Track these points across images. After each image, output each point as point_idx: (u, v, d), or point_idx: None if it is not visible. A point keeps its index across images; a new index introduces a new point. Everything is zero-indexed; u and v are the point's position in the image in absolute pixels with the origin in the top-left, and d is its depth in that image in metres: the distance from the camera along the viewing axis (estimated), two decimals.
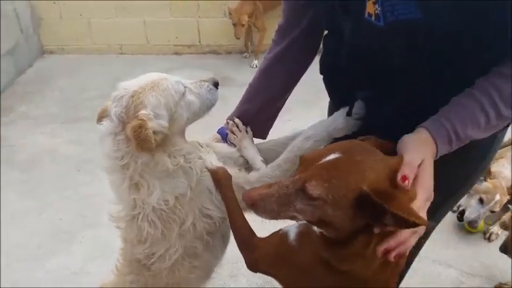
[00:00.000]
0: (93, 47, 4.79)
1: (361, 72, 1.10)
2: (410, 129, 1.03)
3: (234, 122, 1.40)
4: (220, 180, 1.19)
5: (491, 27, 0.85)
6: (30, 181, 3.02)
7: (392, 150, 0.91)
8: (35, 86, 4.28)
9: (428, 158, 0.89)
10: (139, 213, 1.18)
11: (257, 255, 1.08)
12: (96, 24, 4.68)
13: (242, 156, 1.36)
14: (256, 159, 1.34)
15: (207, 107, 1.26)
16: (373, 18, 0.96)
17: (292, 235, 1.01)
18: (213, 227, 1.24)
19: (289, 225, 1.04)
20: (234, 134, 1.39)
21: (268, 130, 1.46)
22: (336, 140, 1.21)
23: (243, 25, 4.16)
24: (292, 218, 0.87)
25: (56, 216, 2.69)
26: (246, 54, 4.73)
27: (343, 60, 1.11)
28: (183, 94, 1.18)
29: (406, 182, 0.82)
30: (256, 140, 1.43)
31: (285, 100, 1.43)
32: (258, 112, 1.39)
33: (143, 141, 1.06)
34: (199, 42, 4.71)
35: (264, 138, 1.46)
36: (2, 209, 2.76)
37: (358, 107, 1.18)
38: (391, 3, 0.90)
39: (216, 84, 1.27)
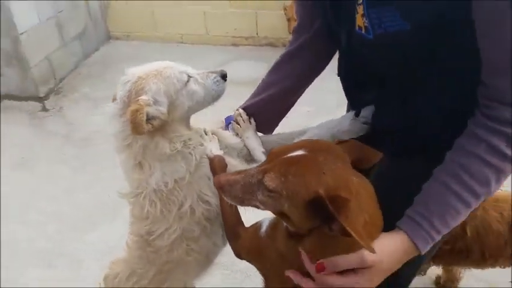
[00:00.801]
0: (155, 35, 4.96)
1: (359, 79, 1.12)
2: (409, 135, 1.03)
3: (238, 112, 1.41)
4: (215, 168, 1.21)
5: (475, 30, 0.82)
6: (84, 158, 3.20)
7: (373, 157, 0.89)
8: (99, 70, 4.51)
9: (393, 262, 0.89)
10: (142, 192, 1.23)
11: (239, 245, 1.11)
12: (160, 13, 4.84)
13: (246, 146, 1.37)
14: (257, 151, 1.34)
15: (212, 97, 1.28)
16: (363, 31, 0.96)
17: (264, 227, 1.03)
18: (211, 213, 1.26)
19: (266, 217, 1.06)
20: (238, 124, 1.40)
21: (273, 127, 1.46)
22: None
23: (295, 20, 4.12)
24: (256, 207, 0.88)
25: (104, 192, 2.83)
26: None
27: (341, 67, 1.14)
28: (186, 83, 1.21)
29: (320, 271, 0.85)
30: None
31: (294, 100, 1.43)
32: (263, 106, 1.39)
33: (136, 125, 1.10)
34: (257, 34, 4.73)
35: (268, 133, 1.45)
36: (56, 181, 2.96)
37: (367, 111, 1.16)
38: (378, 15, 0.89)
39: (223, 76, 1.29)
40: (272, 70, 1.41)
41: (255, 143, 1.37)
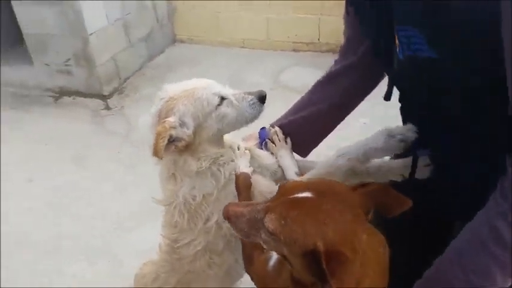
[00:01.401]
0: (218, 40, 5.02)
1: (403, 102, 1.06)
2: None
3: (275, 130, 1.36)
4: (239, 186, 1.16)
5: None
6: (138, 158, 3.27)
7: (399, 205, 0.77)
8: (162, 72, 4.63)
9: None
10: (173, 202, 1.26)
11: (251, 271, 1.04)
12: (223, 18, 4.88)
13: (280, 166, 1.33)
14: (290, 170, 1.29)
15: (245, 120, 1.26)
16: (397, 49, 0.91)
17: (273, 260, 0.95)
18: None
19: None
20: (273, 143, 1.35)
21: (309, 149, 1.38)
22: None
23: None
24: (262, 244, 0.80)
25: (150, 193, 2.87)
26: None
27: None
28: (217, 106, 1.20)
29: None
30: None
31: (334, 124, 1.35)
32: (300, 126, 1.34)
33: (156, 150, 1.13)
34: (319, 40, 4.62)
35: (304, 156, 1.39)
36: (108, 179, 3.06)
37: (408, 129, 1.06)
38: (405, 34, 0.83)
39: (262, 98, 1.25)
40: (313, 90, 1.35)
41: (288, 161, 1.32)
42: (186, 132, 1.17)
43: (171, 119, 1.15)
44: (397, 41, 0.90)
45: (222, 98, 1.22)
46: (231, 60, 4.73)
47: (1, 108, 3.98)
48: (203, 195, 1.22)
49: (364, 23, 1.06)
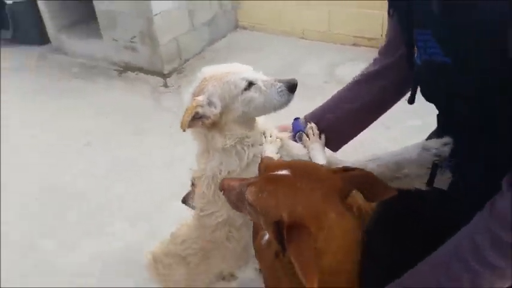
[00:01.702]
0: (279, 29, 5.05)
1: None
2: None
3: (311, 126, 1.40)
4: (261, 169, 1.21)
5: None
6: (185, 134, 3.40)
7: (382, 192, 0.80)
8: (222, 56, 4.74)
9: None
10: (203, 174, 1.36)
11: (255, 244, 1.11)
12: (286, 7, 4.90)
13: (310, 159, 1.37)
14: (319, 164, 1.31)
15: (273, 106, 1.30)
16: (415, 54, 0.93)
17: (266, 236, 1.00)
18: None
19: None
20: (308, 137, 1.39)
21: (340, 144, 1.42)
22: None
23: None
24: (248, 214, 0.87)
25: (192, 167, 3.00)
26: None
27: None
28: (243, 90, 1.26)
29: None
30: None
31: (367, 122, 1.38)
32: (335, 124, 1.37)
33: (181, 123, 1.23)
34: (381, 36, 4.52)
35: (334, 150, 1.43)
36: (159, 153, 3.22)
37: (444, 143, 1.06)
38: (424, 38, 0.85)
39: (291, 87, 1.28)
40: (350, 87, 1.39)
41: (319, 155, 1.35)
42: (213, 111, 1.26)
43: (200, 98, 1.25)
44: (416, 46, 0.92)
45: (251, 83, 1.27)
46: (289, 49, 4.74)
47: (69, 77, 4.30)
48: (228, 172, 1.31)
49: (402, 25, 1.07)
